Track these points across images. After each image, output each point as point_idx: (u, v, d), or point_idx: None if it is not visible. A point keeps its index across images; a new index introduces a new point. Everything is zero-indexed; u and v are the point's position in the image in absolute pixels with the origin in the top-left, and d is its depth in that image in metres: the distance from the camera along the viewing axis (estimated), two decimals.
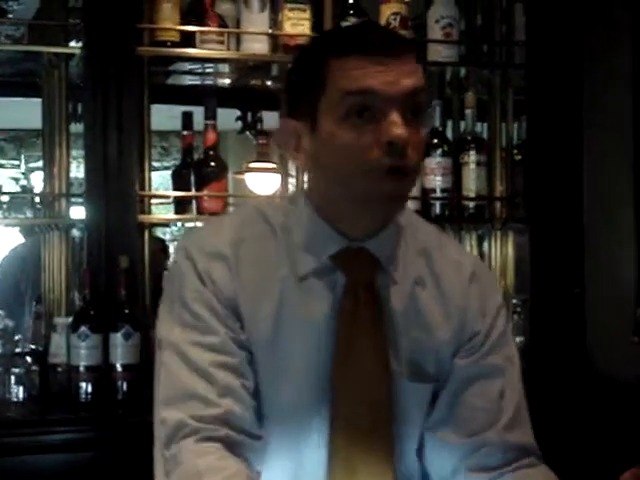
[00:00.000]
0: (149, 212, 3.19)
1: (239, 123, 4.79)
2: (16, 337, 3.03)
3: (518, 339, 3.26)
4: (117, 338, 2.83)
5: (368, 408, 1.53)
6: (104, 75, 3.03)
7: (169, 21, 3.11)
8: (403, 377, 1.56)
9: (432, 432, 1.60)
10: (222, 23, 3.22)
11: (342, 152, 1.46)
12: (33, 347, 3.07)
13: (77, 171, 3.32)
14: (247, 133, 4.88)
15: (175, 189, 3.36)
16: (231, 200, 3.47)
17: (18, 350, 3.03)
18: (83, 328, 2.82)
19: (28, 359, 2.94)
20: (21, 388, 2.88)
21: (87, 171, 3.09)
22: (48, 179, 3.24)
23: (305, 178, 2.28)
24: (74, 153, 3.27)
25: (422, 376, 1.57)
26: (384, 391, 1.53)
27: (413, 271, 1.60)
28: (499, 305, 1.65)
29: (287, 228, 1.58)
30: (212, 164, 3.31)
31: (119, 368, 2.84)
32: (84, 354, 2.82)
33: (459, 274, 1.64)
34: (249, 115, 4.75)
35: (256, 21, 3.23)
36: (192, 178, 3.30)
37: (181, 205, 3.34)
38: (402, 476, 1.58)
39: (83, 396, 2.81)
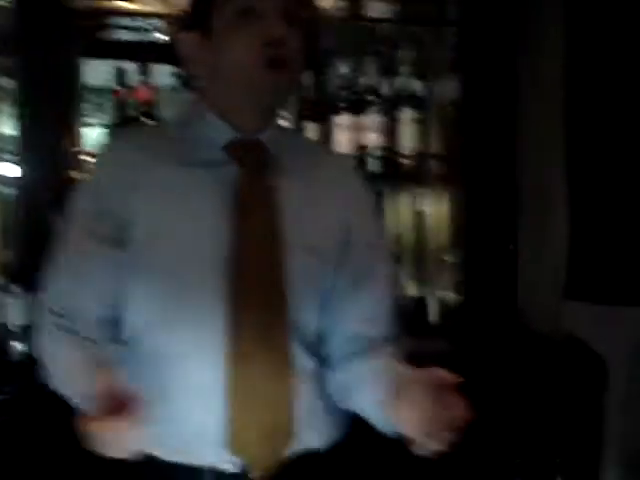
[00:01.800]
0: (81, 169, 3.15)
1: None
2: None
3: (452, 295, 3.31)
4: None
5: (267, 288, 1.70)
6: (35, 28, 2.97)
7: None
8: (296, 255, 1.72)
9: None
10: None
11: (229, 50, 1.69)
12: None
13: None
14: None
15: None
16: None
17: None
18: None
19: None
20: None
21: (22, 128, 3.04)
22: None
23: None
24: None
25: (312, 255, 1.74)
26: (279, 267, 1.70)
27: (301, 162, 1.81)
28: (373, 203, 1.93)
29: (182, 125, 1.81)
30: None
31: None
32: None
33: (341, 170, 1.91)
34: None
35: None
36: None
37: None
38: (299, 345, 1.73)
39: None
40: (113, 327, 1.73)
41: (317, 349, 1.78)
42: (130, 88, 3.32)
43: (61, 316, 1.70)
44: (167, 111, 3.23)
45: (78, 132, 3.11)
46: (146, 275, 1.70)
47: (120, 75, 3.32)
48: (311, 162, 1.85)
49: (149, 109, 3.27)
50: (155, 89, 3.27)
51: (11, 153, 3.12)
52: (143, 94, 3.26)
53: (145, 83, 3.26)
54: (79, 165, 3.10)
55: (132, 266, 1.70)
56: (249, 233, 1.71)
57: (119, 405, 1.44)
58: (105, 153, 1.86)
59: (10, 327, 2.80)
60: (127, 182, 1.72)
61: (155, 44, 3.65)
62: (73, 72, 3.08)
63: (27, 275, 2.83)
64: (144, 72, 3.26)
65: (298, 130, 1.91)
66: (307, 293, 1.75)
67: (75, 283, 1.72)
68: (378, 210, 1.95)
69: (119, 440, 1.45)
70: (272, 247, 1.71)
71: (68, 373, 1.65)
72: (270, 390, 1.68)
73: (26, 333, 2.79)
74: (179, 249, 1.70)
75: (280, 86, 1.72)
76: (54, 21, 2.98)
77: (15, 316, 2.80)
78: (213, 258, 1.69)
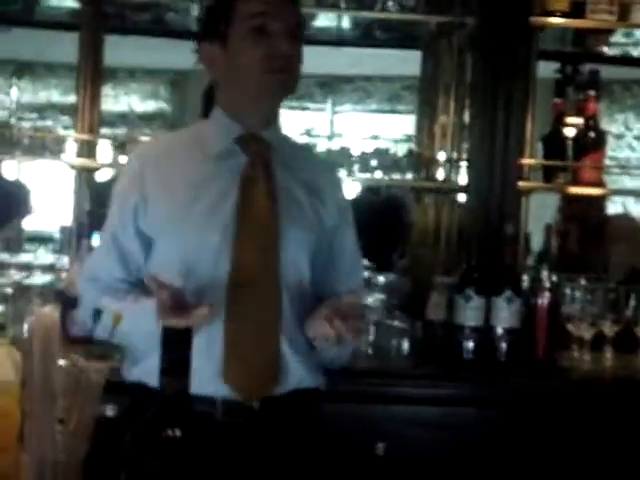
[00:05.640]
0: (527, 179, 3.24)
1: None
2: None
3: None
4: (499, 302, 2.92)
5: (261, 245, 2.04)
6: (496, 44, 3.10)
7: None
8: (290, 227, 2.06)
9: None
10: None
11: (244, 61, 2.04)
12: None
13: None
14: None
15: (545, 157, 3.39)
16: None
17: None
18: (468, 290, 2.93)
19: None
20: (401, 341, 3.04)
21: (472, 137, 3.18)
22: (426, 143, 3.38)
23: None
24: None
25: (304, 228, 2.08)
26: (274, 235, 2.04)
27: (295, 155, 2.18)
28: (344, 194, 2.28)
29: (200, 127, 2.19)
30: (591, 134, 3.31)
31: (500, 331, 2.93)
32: (467, 314, 2.93)
33: (326, 168, 2.33)
34: None
35: None
36: (569, 147, 3.32)
37: (552, 174, 3.37)
38: (287, 298, 2.05)
39: (465, 354, 2.93)
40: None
41: (303, 302, 2.07)
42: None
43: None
44: None
45: (527, 143, 3.20)
46: (164, 251, 2.07)
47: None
48: (303, 159, 2.21)
49: (594, 122, 3.31)
50: None
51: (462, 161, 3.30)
52: (591, 107, 3.30)
53: (593, 98, 3.29)
54: (523, 175, 3.20)
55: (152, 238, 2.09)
56: (251, 205, 2.05)
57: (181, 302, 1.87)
58: (141, 148, 2.38)
59: (464, 328, 2.93)
60: (148, 175, 2.08)
61: None
62: (527, 86, 3.17)
63: (478, 279, 2.97)
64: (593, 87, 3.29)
65: None
66: (297, 257, 2.07)
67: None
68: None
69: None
70: (269, 220, 2.05)
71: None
72: (259, 333, 2.02)
73: (477, 334, 2.93)
74: (193, 223, 2.04)
75: (282, 86, 2.07)
76: (515, 37, 3.09)
77: (467, 317, 2.93)
78: (221, 227, 2.03)
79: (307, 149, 2.61)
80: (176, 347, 1.33)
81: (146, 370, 1.98)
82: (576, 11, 3.18)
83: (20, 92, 6.01)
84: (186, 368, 1.32)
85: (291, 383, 2.06)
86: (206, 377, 1.96)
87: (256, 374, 2.03)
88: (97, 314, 1.70)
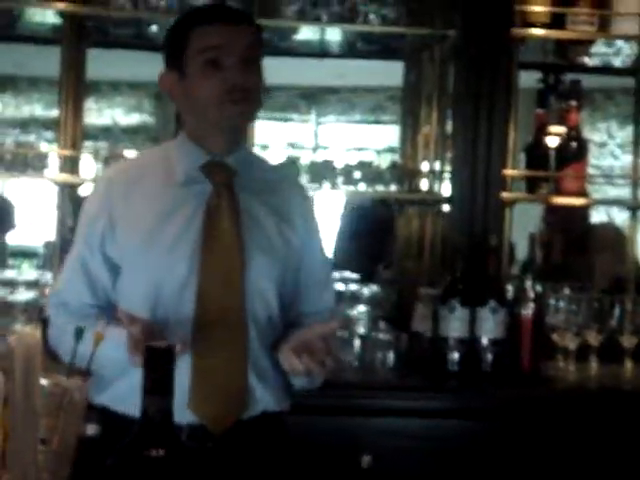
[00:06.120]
0: (510, 190, 3.25)
1: None
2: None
3: None
4: (484, 312, 2.93)
5: (226, 275, 2.04)
6: (478, 55, 3.11)
7: (542, 2, 3.16)
8: (256, 256, 2.06)
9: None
10: (594, 3, 3.22)
11: (200, 92, 2.05)
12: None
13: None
14: None
15: (528, 167, 3.41)
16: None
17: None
18: (452, 301, 2.93)
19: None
20: (387, 353, 3.05)
21: (455, 148, 3.19)
22: (409, 153, 3.39)
23: None
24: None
25: (271, 256, 2.08)
26: (239, 266, 2.04)
27: (263, 179, 2.17)
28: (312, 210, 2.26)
29: (167, 151, 2.18)
30: (573, 144, 3.33)
31: (485, 342, 2.94)
32: (452, 326, 2.94)
33: (296, 189, 2.29)
34: None
35: (628, 1, 3.21)
36: (552, 156, 3.34)
37: (535, 184, 3.38)
38: (254, 327, 2.06)
39: (450, 366, 2.94)
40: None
41: (272, 331, 2.08)
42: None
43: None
44: None
45: (509, 154, 3.21)
46: (130, 278, 2.08)
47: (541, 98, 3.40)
48: (270, 181, 2.19)
49: (576, 132, 3.33)
50: None
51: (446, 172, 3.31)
52: (573, 118, 3.32)
53: (575, 108, 3.31)
54: (507, 185, 3.21)
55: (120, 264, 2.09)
56: (216, 234, 2.04)
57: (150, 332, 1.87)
58: (102, 176, 2.43)
59: (449, 340, 2.93)
60: (116, 200, 2.10)
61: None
62: (509, 98, 3.18)
63: (462, 290, 2.98)
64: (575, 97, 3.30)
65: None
66: (263, 286, 2.07)
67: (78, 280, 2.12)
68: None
69: None
70: (234, 249, 2.05)
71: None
72: (226, 365, 2.02)
73: (462, 345, 2.93)
74: (159, 253, 2.04)
75: (242, 117, 2.10)
76: (496, 49, 3.10)
77: (452, 329, 2.94)
78: (187, 256, 2.04)
79: (276, 169, 2.59)
80: (159, 366, 1.32)
81: (113, 397, 2.02)
82: (557, 22, 3.20)
83: (2, 106, 6.01)
84: (169, 387, 1.31)
85: (257, 409, 2.07)
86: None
87: (223, 404, 2.04)
88: (79, 332, 1.69)
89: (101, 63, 3.45)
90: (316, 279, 2.19)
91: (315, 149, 6.30)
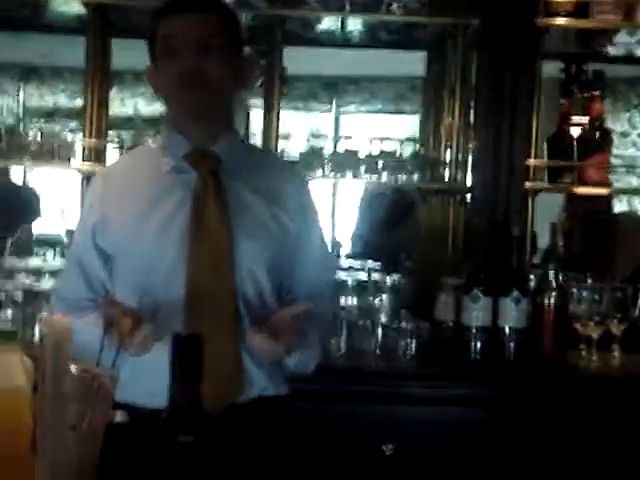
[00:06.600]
0: (532, 180, 3.25)
1: None
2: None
3: None
4: (507, 302, 2.93)
5: (214, 261, 2.06)
6: (501, 45, 3.11)
7: None
8: (245, 240, 2.07)
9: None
10: None
11: (163, 80, 2.08)
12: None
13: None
14: None
15: (550, 157, 3.41)
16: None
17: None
18: (475, 290, 2.94)
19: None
20: (409, 342, 3.06)
21: (478, 138, 3.19)
22: (434, 144, 3.39)
23: None
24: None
25: (261, 239, 2.09)
26: (227, 250, 2.06)
27: (252, 168, 2.17)
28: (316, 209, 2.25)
29: (156, 144, 2.23)
30: (596, 134, 3.32)
31: (507, 331, 2.94)
32: (475, 315, 2.94)
33: (290, 176, 2.25)
34: None
35: None
36: (574, 146, 3.34)
37: (557, 173, 3.38)
38: (248, 305, 2.07)
39: (472, 355, 2.94)
40: None
41: (265, 313, 2.07)
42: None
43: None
44: None
45: (532, 144, 3.21)
46: (121, 269, 2.11)
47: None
48: (261, 168, 2.21)
49: (600, 122, 3.32)
50: None
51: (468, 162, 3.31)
52: (596, 108, 3.31)
53: (598, 97, 3.30)
54: (530, 175, 3.21)
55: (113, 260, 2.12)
56: (203, 220, 2.06)
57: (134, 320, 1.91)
58: (98, 173, 2.42)
59: (471, 328, 2.94)
60: (109, 194, 2.14)
61: None
62: (532, 89, 3.18)
63: (485, 279, 2.99)
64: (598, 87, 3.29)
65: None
66: (254, 269, 2.08)
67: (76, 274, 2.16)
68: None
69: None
70: (222, 235, 2.06)
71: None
72: (218, 348, 1.95)
73: (484, 334, 2.94)
74: (147, 240, 2.07)
75: (204, 104, 2.08)
76: (520, 39, 3.10)
77: (474, 318, 2.94)
78: (175, 243, 2.06)
79: (269, 155, 2.60)
80: (187, 353, 1.33)
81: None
82: (580, 11, 3.19)
83: (27, 96, 6.02)
84: (198, 374, 1.33)
85: (253, 393, 2.09)
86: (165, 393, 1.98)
87: (218, 387, 2.00)
88: (109, 324, 1.72)
89: (124, 52, 3.46)
90: (313, 262, 2.20)
91: (336, 139, 6.32)
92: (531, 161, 3.20)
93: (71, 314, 1.97)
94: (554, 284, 3.04)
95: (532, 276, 3.12)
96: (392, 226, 4.23)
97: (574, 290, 3.07)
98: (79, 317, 2.00)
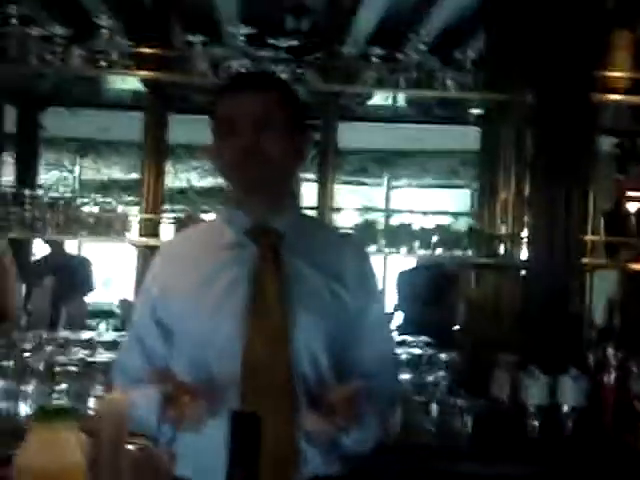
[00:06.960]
0: (590, 255, 3.21)
1: None
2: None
3: None
4: (565, 380, 2.88)
5: (271, 337, 2.04)
6: (555, 120, 3.10)
7: (622, 68, 3.14)
8: (303, 316, 2.05)
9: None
10: None
11: (223, 157, 2.09)
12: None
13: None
14: None
15: (608, 232, 3.37)
16: None
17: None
18: (532, 367, 2.89)
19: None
20: (465, 419, 3.00)
21: (533, 213, 3.17)
22: (488, 219, 3.38)
23: None
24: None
25: (319, 315, 2.06)
26: (284, 325, 2.04)
27: (313, 244, 2.17)
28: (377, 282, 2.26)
29: (217, 218, 2.27)
30: None
31: (566, 409, 2.88)
32: (531, 392, 2.89)
33: (351, 251, 2.22)
34: None
35: None
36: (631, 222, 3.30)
37: (614, 249, 3.34)
38: (305, 382, 2.04)
39: (530, 433, 2.88)
40: None
41: (321, 390, 2.02)
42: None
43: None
44: None
45: (589, 218, 3.18)
46: (179, 344, 2.10)
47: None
48: (321, 242, 2.19)
49: None
50: None
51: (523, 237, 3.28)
52: None
53: None
54: (588, 251, 3.17)
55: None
56: (261, 296, 2.06)
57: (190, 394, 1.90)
58: (163, 245, 2.42)
59: (528, 406, 2.88)
60: (170, 269, 2.15)
61: None
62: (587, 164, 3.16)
63: (543, 356, 2.94)
64: None
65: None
66: (312, 346, 2.05)
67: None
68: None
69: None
70: (279, 311, 2.05)
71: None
72: (274, 426, 1.88)
73: (542, 412, 2.88)
74: (206, 317, 2.06)
75: (263, 180, 2.09)
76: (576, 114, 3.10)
77: (531, 395, 2.89)
78: (232, 318, 2.05)
79: (329, 230, 2.58)
80: (246, 431, 1.31)
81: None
82: (635, 87, 3.18)
83: (82, 170, 6.14)
84: (256, 453, 1.30)
85: (307, 473, 2.05)
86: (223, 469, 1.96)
87: (273, 468, 1.93)
88: (167, 400, 1.70)
89: (177, 127, 3.52)
90: (374, 338, 2.16)
91: (388, 213, 6.33)
92: (588, 237, 3.17)
93: (129, 386, 2.03)
94: (613, 362, 2.97)
95: (590, 353, 3.06)
96: (432, 300, 4.19)
97: (634, 368, 3.00)
98: (137, 389, 1.99)
